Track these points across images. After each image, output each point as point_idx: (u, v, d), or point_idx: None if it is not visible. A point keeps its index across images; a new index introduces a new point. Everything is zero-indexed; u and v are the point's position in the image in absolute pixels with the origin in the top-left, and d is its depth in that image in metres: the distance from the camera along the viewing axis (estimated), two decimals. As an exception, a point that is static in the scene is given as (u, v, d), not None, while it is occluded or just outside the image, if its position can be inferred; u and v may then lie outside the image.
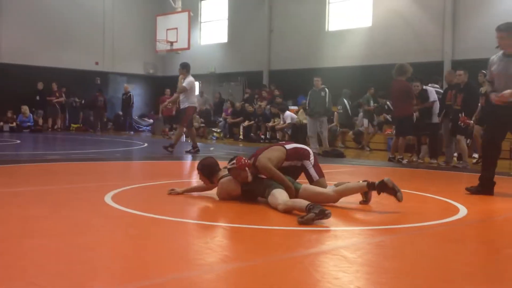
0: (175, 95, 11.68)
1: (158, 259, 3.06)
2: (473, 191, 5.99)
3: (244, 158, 4.93)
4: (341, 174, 8.36)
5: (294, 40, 19.71)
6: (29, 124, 19.01)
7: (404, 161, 10.43)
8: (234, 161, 4.90)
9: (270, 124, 17.47)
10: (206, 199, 5.17)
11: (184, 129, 11.90)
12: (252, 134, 17.90)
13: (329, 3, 19.09)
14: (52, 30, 21.35)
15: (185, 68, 11.38)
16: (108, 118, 22.82)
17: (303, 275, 2.84)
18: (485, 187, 5.97)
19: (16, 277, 2.64)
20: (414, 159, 10.88)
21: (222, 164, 5.32)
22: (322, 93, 12.28)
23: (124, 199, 4.97)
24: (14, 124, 18.74)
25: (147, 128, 22.90)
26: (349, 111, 16.07)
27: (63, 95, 20.88)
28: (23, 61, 20.74)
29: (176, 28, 18.81)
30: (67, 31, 21.83)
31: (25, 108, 19.01)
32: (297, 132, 16.75)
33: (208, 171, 5.16)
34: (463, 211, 4.91)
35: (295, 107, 18.00)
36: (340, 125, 16.20)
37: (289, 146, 5.34)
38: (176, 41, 18.84)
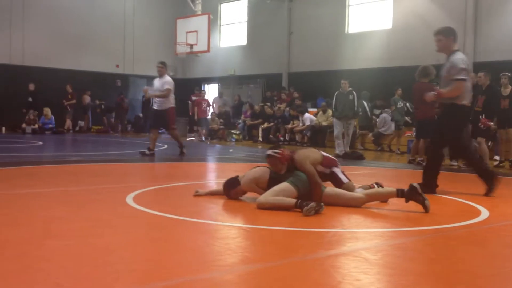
0: (164, 93, 10.72)
1: (179, 260, 3.08)
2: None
3: (287, 150, 5.08)
4: (361, 176, 8.32)
5: (313, 42, 19.69)
6: (51, 126, 19.24)
7: (425, 163, 10.33)
8: (279, 150, 5.03)
9: (289, 126, 17.47)
10: (226, 201, 5.18)
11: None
12: (271, 136, 17.91)
13: (349, 5, 19.03)
14: (74, 34, 21.61)
15: (165, 66, 11.20)
16: (128, 120, 23.07)
17: (324, 276, 2.84)
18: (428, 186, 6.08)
19: (40, 279, 2.67)
20: None
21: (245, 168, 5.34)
22: (350, 96, 12.24)
23: (145, 200, 5.01)
24: (37, 126, 18.99)
25: (167, 130, 23.00)
26: (369, 113, 16.00)
27: (89, 98, 21.14)
28: (46, 64, 21.04)
29: (196, 31, 18.93)
30: (89, 35, 22.08)
31: (47, 110, 19.24)
32: (316, 134, 16.74)
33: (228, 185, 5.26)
34: (484, 213, 4.87)
35: (314, 109, 17.98)
36: (360, 127, 16.13)
37: (324, 153, 5.48)
38: (196, 44, 18.95)
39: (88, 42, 22.01)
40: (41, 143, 14.24)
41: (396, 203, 5.11)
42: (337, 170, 5.41)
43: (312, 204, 4.45)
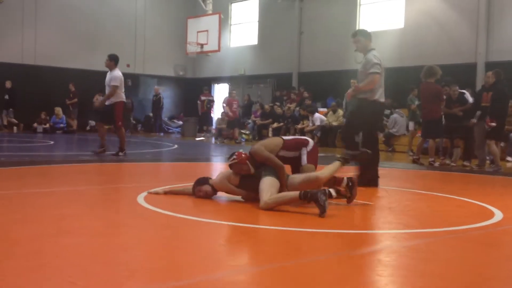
0: (111, 91, 10.16)
1: (192, 260, 3.06)
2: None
3: (243, 152, 5.04)
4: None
5: (324, 42, 19.64)
6: (62, 125, 19.33)
7: (436, 164, 10.30)
8: (234, 155, 5.00)
9: (299, 126, 17.43)
10: (237, 201, 5.16)
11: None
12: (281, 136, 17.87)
13: (360, 4, 18.96)
14: (85, 33, 21.72)
15: (113, 60, 10.67)
16: (138, 119, 23.15)
17: (336, 277, 2.81)
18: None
19: (54, 276, 2.66)
20: (446, 162, 10.72)
21: None
22: None
23: (156, 200, 5.00)
24: (48, 125, 19.08)
25: (177, 129, 23.08)
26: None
27: (98, 97, 21.19)
28: (57, 64, 21.16)
29: (207, 31, 18.95)
30: (100, 34, 22.18)
31: (58, 110, 19.34)
32: (326, 134, 16.69)
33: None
34: (498, 215, 4.81)
35: (325, 109, 17.92)
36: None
37: (288, 137, 5.46)
38: (207, 43, 18.97)
39: (99, 42, 22.09)
40: (52, 142, 14.31)
41: (407, 204, 5.05)
42: (303, 151, 5.27)
43: (320, 195, 4.33)
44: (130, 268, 2.82)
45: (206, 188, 5.15)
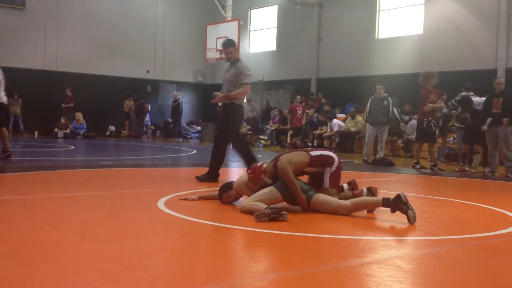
0: None
1: (213, 266, 3.09)
2: (201, 179, 7.12)
3: (259, 164, 5.08)
4: (391, 184, 8.26)
5: (343, 47, 19.62)
6: (82, 130, 19.55)
7: (436, 168, 10.64)
8: (249, 170, 5.07)
9: (318, 132, 17.41)
10: (257, 207, 5.18)
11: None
12: (299, 142, 17.88)
13: (379, 10, 18.93)
14: (105, 40, 21.98)
15: None
16: (157, 125, 23.36)
17: (357, 285, 2.82)
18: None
19: (77, 281, 2.71)
20: (466, 168, 10.64)
21: None
22: (385, 102, 12.14)
23: (176, 205, 5.05)
24: (68, 130, 19.31)
25: (195, 135, 23.19)
26: (399, 119, 15.83)
27: (132, 103, 21.41)
28: (78, 70, 21.44)
29: (226, 37, 18.93)
30: (120, 41, 22.42)
31: (79, 115, 19.57)
32: (345, 140, 16.65)
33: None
34: (520, 223, 4.77)
35: (343, 115, 17.88)
36: (389, 133, 15.95)
37: (315, 152, 5.30)
38: (226, 50, 19.00)
39: (120, 48, 22.34)
40: (72, 147, 14.47)
41: (428, 211, 5.03)
42: (327, 171, 5.16)
43: (266, 210, 4.33)
44: (152, 274, 2.86)
45: (233, 193, 5.24)
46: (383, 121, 12.15)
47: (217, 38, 19.22)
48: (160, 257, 3.24)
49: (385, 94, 12.28)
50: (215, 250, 3.49)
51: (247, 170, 5.16)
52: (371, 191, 5.31)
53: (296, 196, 4.85)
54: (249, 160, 7.08)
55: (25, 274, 2.78)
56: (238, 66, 7.20)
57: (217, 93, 7.37)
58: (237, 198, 5.28)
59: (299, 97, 17.87)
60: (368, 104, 12.42)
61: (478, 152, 10.49)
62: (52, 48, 21.17)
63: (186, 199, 5.42)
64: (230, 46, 7.31)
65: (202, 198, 5.47)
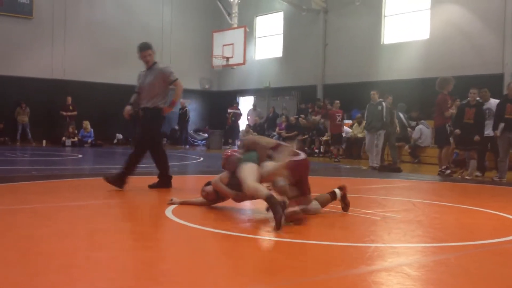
0: None
1: (221, 274, 3.10)
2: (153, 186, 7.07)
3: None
4: (398, 190, 8.24)
5: (349, 53, 19.62)
6: (90, 139, 19.62)
7: (447, 172, 10.58)
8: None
9: (324, 138, 17.39)
10: (264, 216, 5.18)
11: None
12: (306, 148, 17.87)
13: (384, 16, 18.92)
14: (112, 48, 22.07)
15: None
16: (164, 132, 23.41)
17: (366, 292, 2.82)
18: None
19: (87, 288, 2.72)
20: (463, 174, 10.63)
21: None
22: (379, 107, 12.17)
23: (185, 213, 5.06)
24: (76, 138, 19.39)
25: (202, 142, 23.22)
26: (406, 124, 15.80)
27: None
28: (85, 78, 21.54)
29: (232, 44, 19.09)
30: (127, 49, 22.43)
31: (87, 123, 19.64)
32: (352, 146, 16.63)
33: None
34: (529, 228, 4.75)
35: (349, 121, 17.87)
36: (396, 139, 15.92)
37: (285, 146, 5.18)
38: (232, 57, 19.10)
39: (126, 56, 22.38)
40: (80, 155, 14.52)
41: (436, 217, 5.01)
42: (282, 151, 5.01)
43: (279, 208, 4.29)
44: (161, 282, 2.87)
45: (209, 188, 5.38)
46: (377, 126, 12.18)
47: (223, 45, 19.31)
48: (167, 266, 3.26)
49: (380, 100, 12.32)
50: (223, 259, 3.50)
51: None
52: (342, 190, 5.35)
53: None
54: (163, 169, 7.20)
55: (34, 283, 2.79)
56: (160, 68, 7.13)
57: (129, 107, 7.24)
58: (211, 195, 5.37)
59: (338, 102, 15.94)
60: (366, 111, 12.52)
61: (474, 158, 10.43)
62: (59, 57, 21.29)
63: (171, 202, 5.52)
64: (148, 49, 7.11)
65: (185, 203, 5.56)
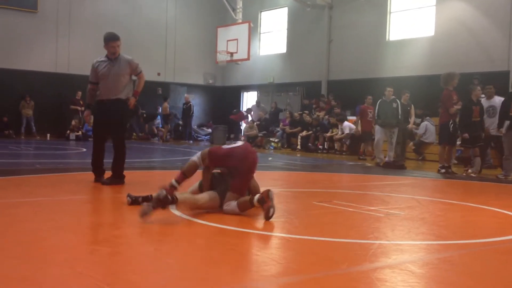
0: None
1: (225, 269, 3.10)
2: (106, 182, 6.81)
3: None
4: (403, 187, 8.22)
5: (353, 50, 19.57)
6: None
7: (442, 171, 10.48)
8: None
9: (328, 134, 17.38)
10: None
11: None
12: (310, 144, 17.86)
13: (390, 12, 18.86)
14: (116, 42, 22.04)
15: None
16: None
17: (370, 289, 2.81)
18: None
19: (91, 284, 2.72)
20: (469, 171, 10.58)
21: None
22: (394, 104, 12.14)
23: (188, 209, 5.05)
24: (80, 132, 19.40)
25: (206, 137, 23.23)
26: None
27: (168, 106, 21.45)
28: (89, 72, 21.46)
29: (237, 39, 19.04)
30: (131, 43, 22.41)
31: (91, 117, 19.61)
32: (356, 142, 16.59)
33: None
34: (534, 227, 4.73)
35: (354, 117, 17.83)
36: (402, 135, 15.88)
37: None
38: (236, 52, 19.06)
39: (130, 51, 22.14)
40: (84, 149, 14.54)
41: (440, 214, 5.00)
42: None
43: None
44: (166, 277, 2.87)
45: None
46: (392, 123, 12.15)
47: (227, 41, 19.27)
48: (172, 260, 3.26)
49: (393, 97, 12.28)
50: (227, 253, 3.50)
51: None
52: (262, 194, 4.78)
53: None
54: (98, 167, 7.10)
55: (38, 277, 2.80)
56: (128, 59, 7.18)
57: (89, 111, 7.48)
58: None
59: (370, 97, 14.65)
60: (377, 106, 12.42)
61: (477, 155, 10.39)
62: (64, 50, 21.30)
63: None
64: (118, 40, 7.28)
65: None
